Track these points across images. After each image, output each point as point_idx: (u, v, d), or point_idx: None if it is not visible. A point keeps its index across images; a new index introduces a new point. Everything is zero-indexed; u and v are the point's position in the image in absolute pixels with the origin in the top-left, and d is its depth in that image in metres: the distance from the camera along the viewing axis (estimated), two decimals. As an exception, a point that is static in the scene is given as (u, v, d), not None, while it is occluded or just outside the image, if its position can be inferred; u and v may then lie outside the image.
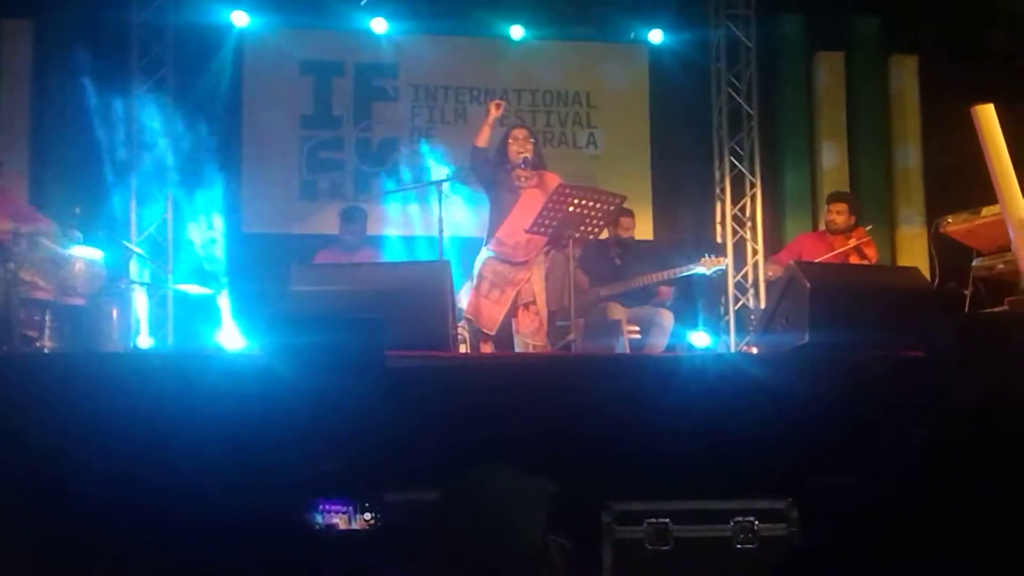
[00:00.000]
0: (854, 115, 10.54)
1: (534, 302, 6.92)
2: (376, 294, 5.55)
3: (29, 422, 4.50)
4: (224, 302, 8.59)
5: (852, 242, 8.01)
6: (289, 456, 4.35)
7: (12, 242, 6.57)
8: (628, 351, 7.39)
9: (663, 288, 7.88)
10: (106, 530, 4.20)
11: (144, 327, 8.62)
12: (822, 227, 8.61)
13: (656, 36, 10.43)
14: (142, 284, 8.49)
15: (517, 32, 10.17)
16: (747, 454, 4.67)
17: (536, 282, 6.95)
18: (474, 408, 4.82)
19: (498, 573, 2.33)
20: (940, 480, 2.10)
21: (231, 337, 8.44)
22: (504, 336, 6.95)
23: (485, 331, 6.84)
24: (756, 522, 4.51)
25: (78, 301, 6.91)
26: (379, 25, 9.95)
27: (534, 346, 6.81)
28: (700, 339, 8.80)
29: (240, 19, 9.78)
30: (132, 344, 8.36)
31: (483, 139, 7.14)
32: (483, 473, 2.46)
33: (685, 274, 7.86)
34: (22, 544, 4.22)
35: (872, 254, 8.09)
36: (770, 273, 8.64)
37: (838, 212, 8.20)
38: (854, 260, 7.90)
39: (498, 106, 7.22)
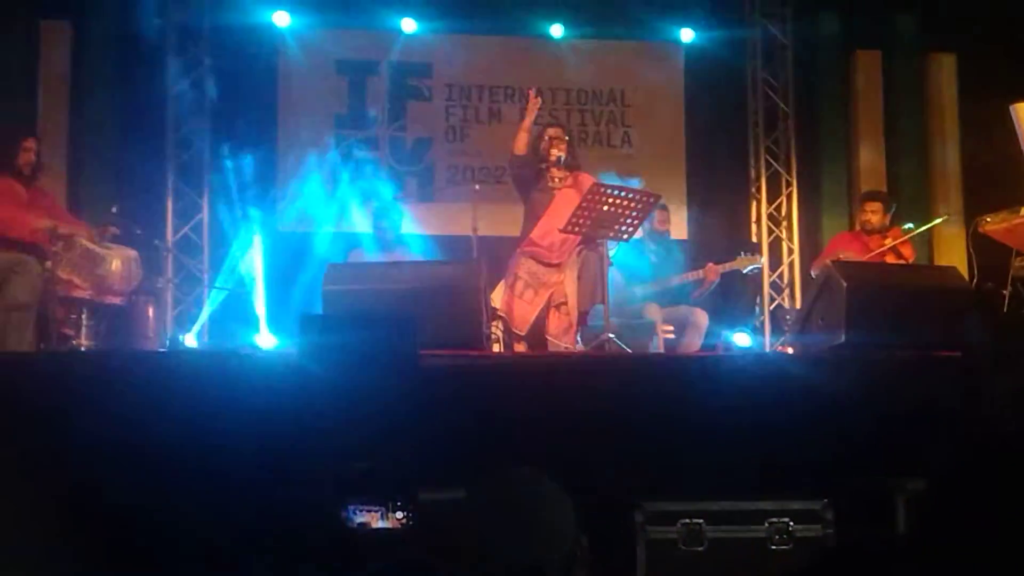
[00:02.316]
0: (892, 114, 10.45)
1: (566, 303, 6.91)
2: (409, 293, 5.57)
3: (66, 419, 4.53)
4: (259, 301, 8.64)
5: (888, 242, 7.94)
6: (323, 454, 4.36)
7: (49, 241, 6.62)
8: (662, 351, 7.37)
9: (711, 267, 7.82)
10: (142, 526, 4.22)
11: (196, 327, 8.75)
12: (858, 227, 8.54)
13: (692, 35, 10.38)
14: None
15: (557, 31, 10.14)
16: (781, 454, 4.65)
17: (569, 283, 6.93)
18: (507, 407, 4.82)
19: (533, 571, 2.33)
20: (976, 481, 2.07)
21: (266, 336, 8.48)
22: (537, 336, 6.95)
23: (516, 331, 6.84)
24: (791, 523, 4.48)
25: (115, 300, 6.95)
26: (409, 25, 9.95)
27: (564, 347, 6.80)
28: (741, 339, 8.76)
29: (281, 19, 9.81)
30: (175, 342, 8.43)
31: (521, 145, 7.13)
32: (513, 474, 2.46)
33: (721, 272, 7.82)
34: (57, 538, 4.25)
35: (909, 254, 8.01)
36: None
37: (872, 211, 8.12)
38: (891, 260, 7.83)
39: (536, 99, 7.20)
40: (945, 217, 8.65)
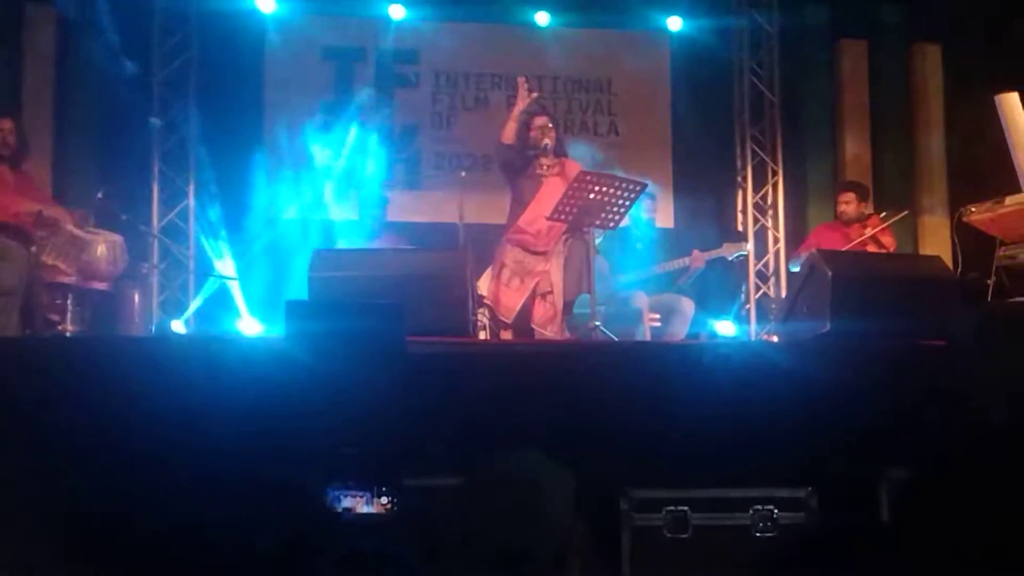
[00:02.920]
0: (877, 103, 10.47)
1: (551, 292, 6.92)
2: (396, 280, 5.56)
3: (51, 405, 4.52)
4: (236, 288, 8.63)
5: (868, 231, 7.96)
6: (309, 440, 4.36)
7: (35, 225, 6.60)
8: (649, 339, 7.38)
9: (697, 253, 7.82)
10: (125, 511, 4.22)
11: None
12: (837, 218, 8.54)
13: (678, 23, 10.38)
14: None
15: (543, 19, 10.13)
16: (767, 442, 4.67)
17: (555, 272, 6.94)
18: (494, 394, 4.82)
19: (528, 558, 2.33)
20: (960, 469, 2.08)
21: (249, 323, 8.48)
22: (523, 324, 6.96)
23: (502, 319, 6.84)
24: (775, 510, 4.50)
25: (100, 285, 6.94)
26: (398, 11, 9.93)
27: (550, 335, 6.81)
28: (726, 328, 8.78)
29: (265, 5, 9.78)
30: (161, 328, 8.41)
31: (509, 135, 7.11)
32: (513, 457, 2.45)
33: (707, 259, 7.83)
34: (40, 523, 4.25)
35: (889, 242, 8.04)
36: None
37: (846, 202, 8.16)
38: (871, 249, 7.86)
39: (529, 92, 7.18)
40: (906, 213, 8.63)
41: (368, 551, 2.34)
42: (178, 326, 8.67)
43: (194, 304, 8.88)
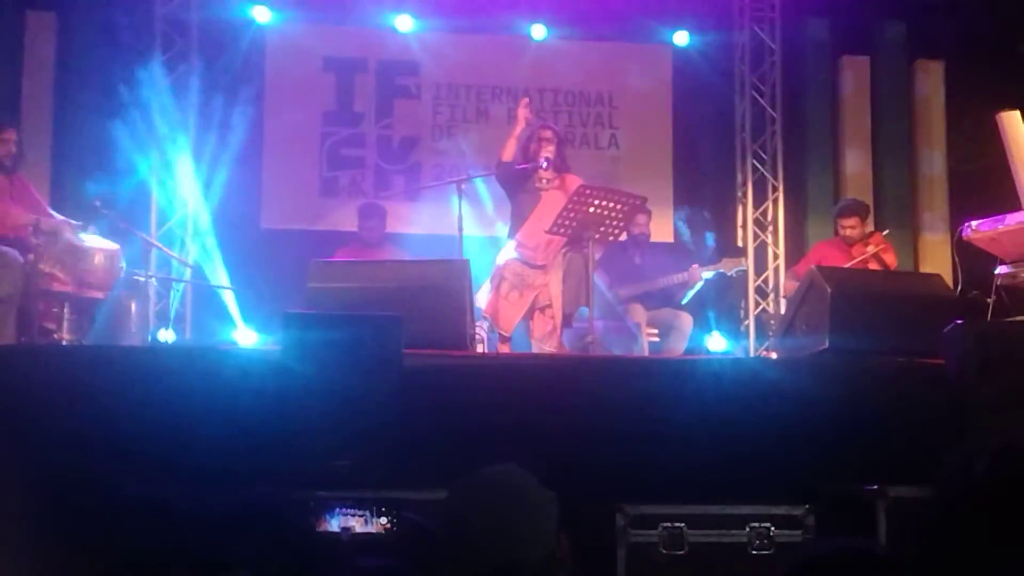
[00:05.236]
0: (878, 120, 10.47)
1: (550, 306, 6.91)
2: (394, 292, 5.54)
3: (46, 413, 4.51)
4: (231, 298, 8.62)
5: (871, 249, 7.92)
6: (303, 452, 4.34)
7: (31, 234, 6.58)
8: (646, 354, 7.36)
9: (695, 269, 7.78)
10: (120, 521, 4.20)
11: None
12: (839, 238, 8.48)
13: (680, 37, 10.39)
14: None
15: (539, 32, 10.14)
16: (764, 459, 4.65)
17: (554, 285, 6.93)
18: (490, 408, 4.80)
19: (515, 572, 2.31)
20: (958, 487, 2.06)
21: (244, 333, 8.46)
22: (521, 338, 6.94)
23: (501, 332, 6.83)
24: (772, 528, 4.48)
25: (97, 294, 6.91)
26: (403, 23, 9.94)
27: (547, 350, 6.79)
28: (716, 342, 8.76)
29: (261, 14, 9.78)
30: (151, 338, 8.39)
31: (509, 153, 7.08)
32: (494, 473, 2.44)
33: (706, 276, 7.80)
34: (32, 530, 4.23)
35: (891, 260, 7.99)
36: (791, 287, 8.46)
37: (851, 227, 8.03)
38: (873, 267, 7.83)
39: (526, 106, 7.16)
40: (887, 232, 8.55)
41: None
42: (168, 334, 8.67)
43: (173, 310, 8.90)
